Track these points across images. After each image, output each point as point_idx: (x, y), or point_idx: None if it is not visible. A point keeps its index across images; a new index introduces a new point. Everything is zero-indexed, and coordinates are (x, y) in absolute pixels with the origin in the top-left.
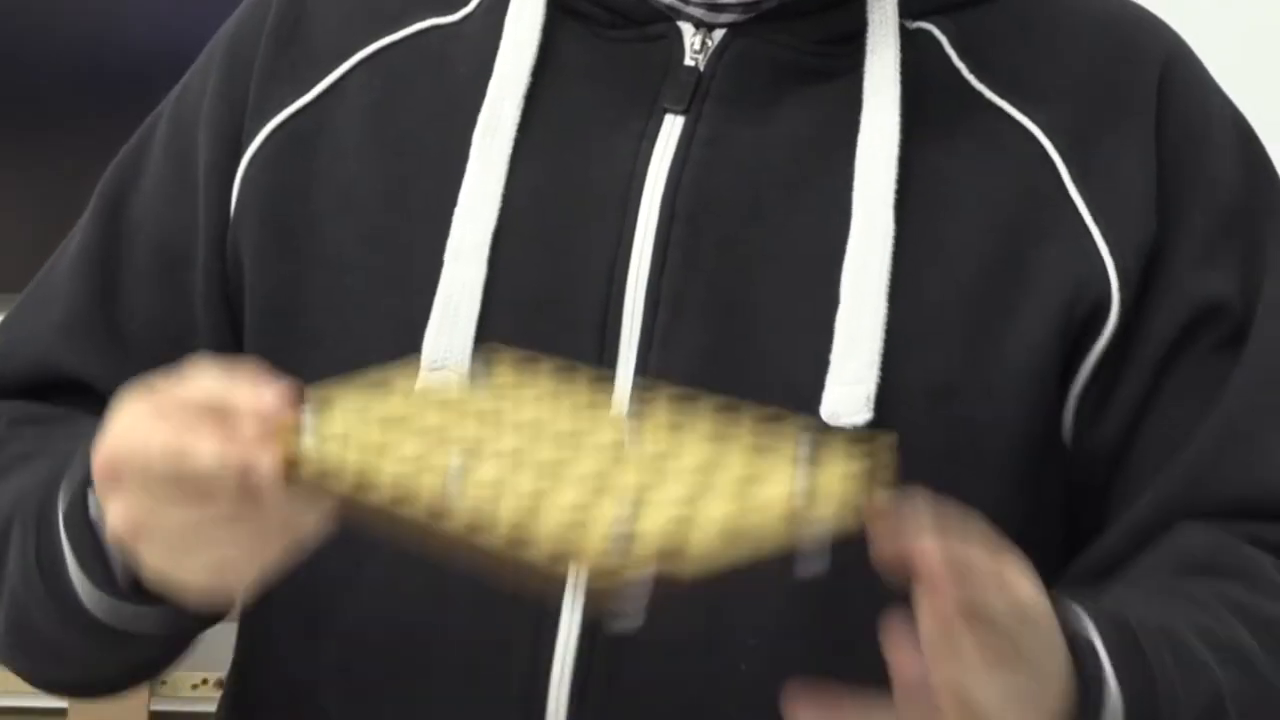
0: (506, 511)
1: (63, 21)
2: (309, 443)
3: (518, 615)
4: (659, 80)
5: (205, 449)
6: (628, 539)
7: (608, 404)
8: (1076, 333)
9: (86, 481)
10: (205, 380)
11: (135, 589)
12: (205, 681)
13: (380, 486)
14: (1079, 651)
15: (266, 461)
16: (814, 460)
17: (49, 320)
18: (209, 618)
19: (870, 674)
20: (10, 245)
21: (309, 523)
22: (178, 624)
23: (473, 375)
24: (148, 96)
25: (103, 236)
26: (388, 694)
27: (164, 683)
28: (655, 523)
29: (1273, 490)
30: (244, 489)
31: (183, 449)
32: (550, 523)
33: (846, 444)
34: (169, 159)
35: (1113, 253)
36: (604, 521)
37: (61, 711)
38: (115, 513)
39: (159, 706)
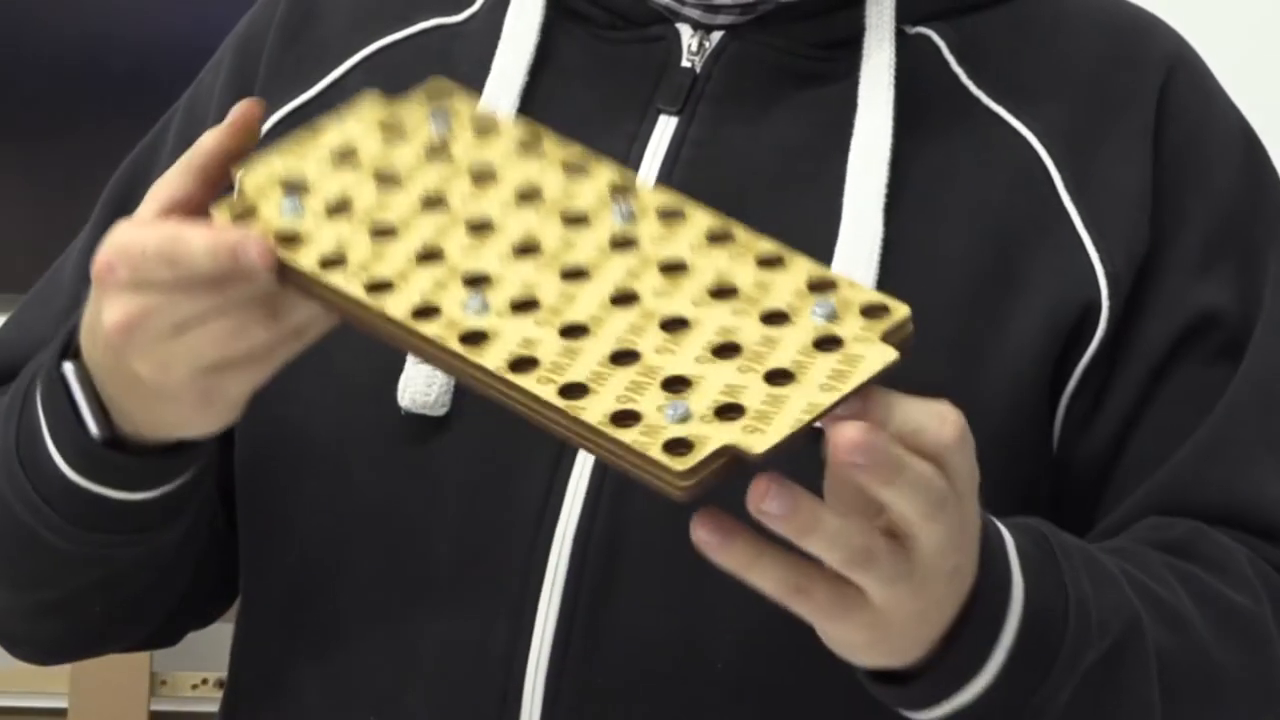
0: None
1: (64, 22)
2: (307, 260)
3: (495, 613)
4: (654, 81)
5: (197, 235)
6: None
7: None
8: (1066, 339)
9: (60, 353)
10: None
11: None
12: (205, 681)
13: (382, 308)
14: (989, 555)
15: (256, 241)
16: (831, 326)
17: (53, 314)
18: (183, 489)
19: (849, 672)
20: (10, 245)
21: (299, 320)
22: (155, 474)
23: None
24: (149, 97)
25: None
26: (368, 691)
27: (164, 683)
28: (706, 414)
29: (1250, 503)
30: (236, 272)
31: (176, 237)
32: (598, 411)
33: (859, 310)
34: (179, 153)
35: (1103, 260)
36: (657, 414)
37: (61, 711)
38: (110, 311)
39: (159, 706)
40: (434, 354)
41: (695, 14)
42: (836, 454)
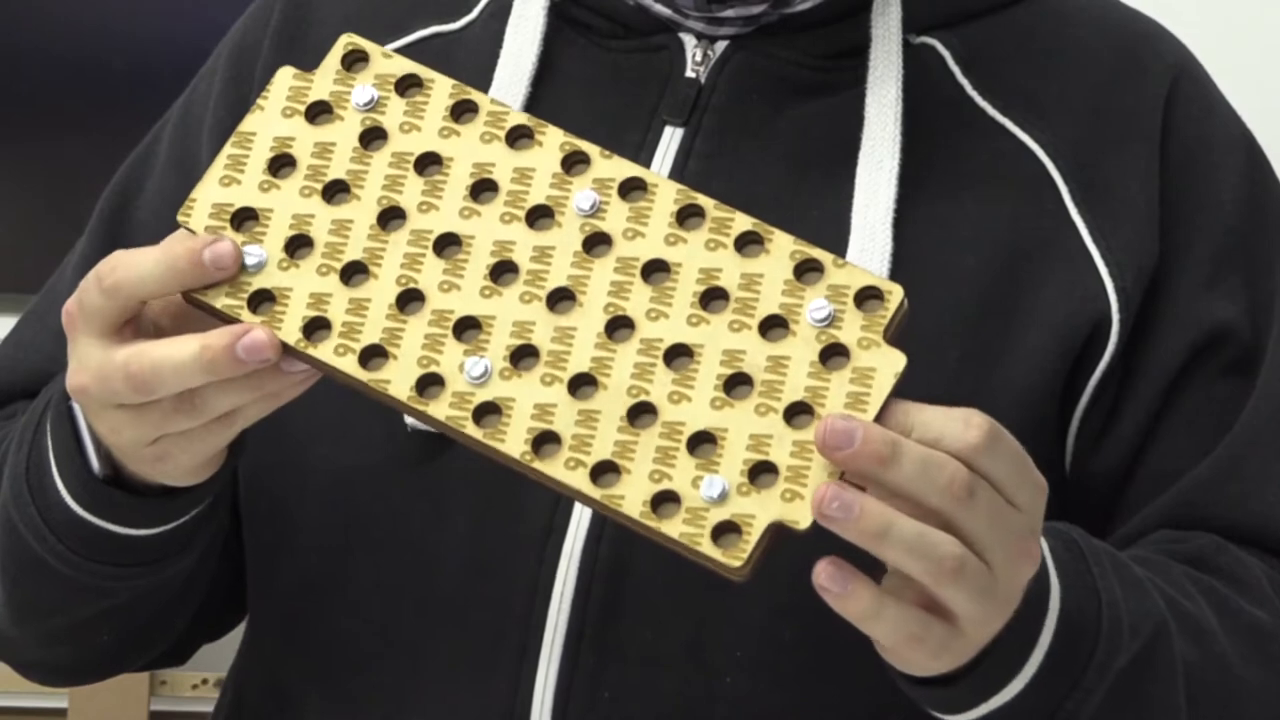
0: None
1: (63, 21)
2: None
3: (503, 623)
4: (659, 91)
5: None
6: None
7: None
8: (1077, 354)
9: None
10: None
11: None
12: (205, 681)
13: (385, 389)
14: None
15: (261, 336)
16: (833, 331)
17: (51, 327)
18: (189, 525)
19: (857, 688)
20: (10, 246)
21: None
22: (157, 513)
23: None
24: (149, 98)
25: (105, 242)
26: (371, 702)
27: (164, 683)
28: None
29: (1264, 520)
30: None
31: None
32: (636, 499)
33: (854, 301)
34: (173, 164)
35: (1112, 274)
36: (693, 491)
37: (61, 712)
38: (71, 368)
39: (159, 706)
40: (450, 432)
41: (700, 25)
42: (824, 453)
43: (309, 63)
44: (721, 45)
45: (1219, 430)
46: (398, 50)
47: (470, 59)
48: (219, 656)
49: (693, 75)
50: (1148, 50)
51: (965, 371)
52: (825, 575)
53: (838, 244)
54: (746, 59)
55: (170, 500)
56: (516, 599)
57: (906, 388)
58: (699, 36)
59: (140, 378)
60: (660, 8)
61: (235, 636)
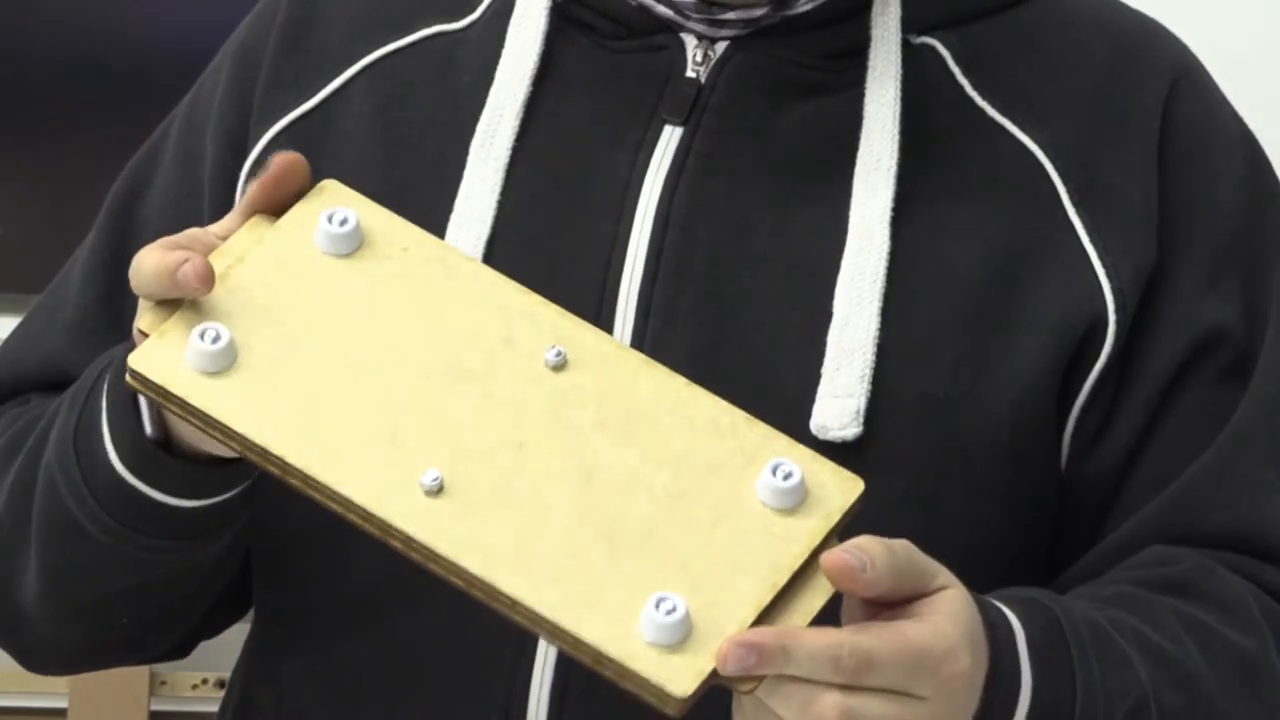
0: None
1: (64, 21)
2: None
3: (499, 625)
4: (659, 91)
5: None
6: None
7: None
8: (1073, 354)
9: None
10: None
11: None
12: (205, 681)
13: (333, 494)
14: (999, 650)
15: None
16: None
17: (58, 322)
18: (227, 505)
19: None
20: (10, 245)
21: None
22: (201, 484)
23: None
24: (149, 97)
25: (113, 237)
26: (369, 704)
27: (164, 683)
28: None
29: (1254, 526)
30: None
31: None
32: (585, 630)
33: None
34: (179, 160)
35: (1109, 275)
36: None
37: (61, 712)
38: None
39: (159, 706)
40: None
41: (700, 25)
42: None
43: (311, 63)
44: (722, 45)
45: (1214, 434)
46: (402, 48)
47: (473, 58)
48: (219, 656)
49: (693, 75)
50: (1148, 51)
51: (961, 371)
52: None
53: (836, 244)
54: (747, 59)
55: (215, 471)
56: None
57: (898, 384)
58: (700, 37)
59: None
60: (662, 9)
61: (235, 636)
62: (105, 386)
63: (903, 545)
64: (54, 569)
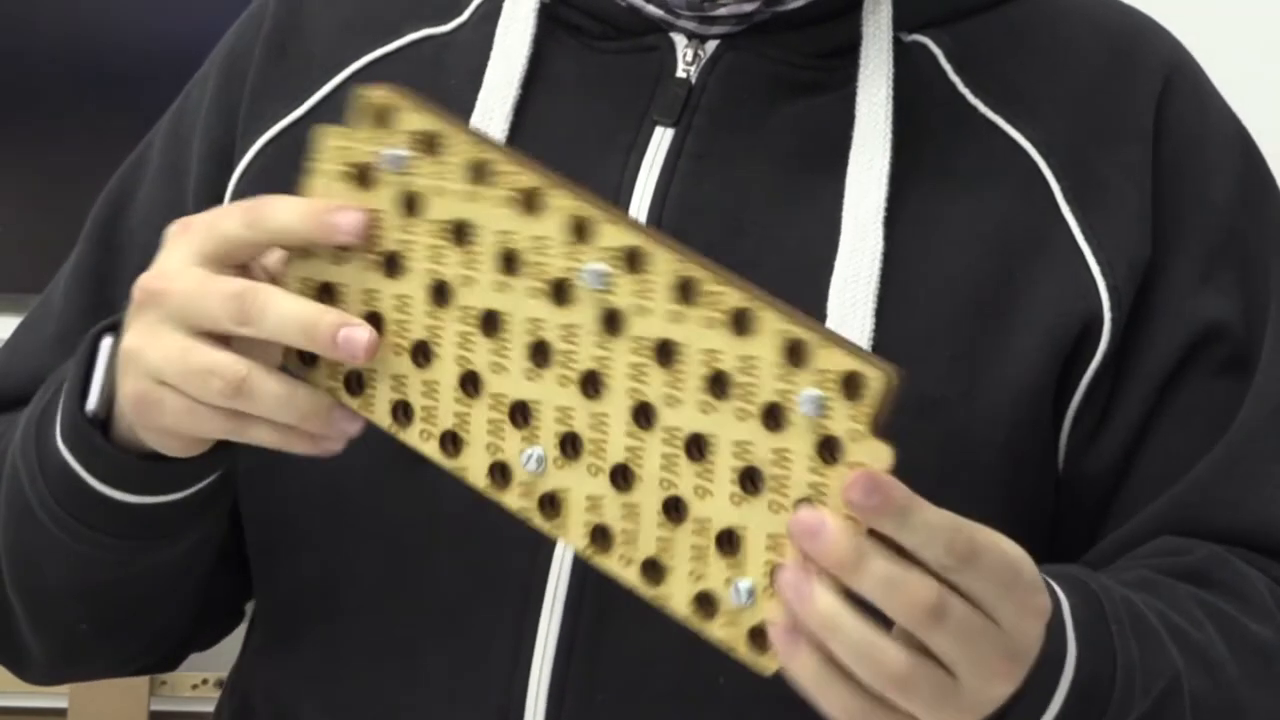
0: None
1: (63, 21)
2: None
3: (497, 623)
4: (649, 92)
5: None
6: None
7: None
8: (1069, 352)
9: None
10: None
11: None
12: (205, 682)
13: (465, 476)
14: (1049, 623)
15: (364, 335)
16: (825, 423)
17: (45, 336)
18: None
19: None
20: (10, 245)
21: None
22: (135, 476)
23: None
24: (149, 98)
25: (98, 249)
26: (367, 702)
27: (164, 683)
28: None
29: (1262, 523)
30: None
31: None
32: (681, 600)
33: (838, 387)
34: (164, 172)
35: (1104, 272)
36: (726, 592)
37: (61, 712)
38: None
39: (159, 706)
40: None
41: (691, 24)
42: (794, 543)
43: (297, 71)
44: (712, 45)
45: (1214, 430)
46: (390, 53)
47: (461, 61)
48: (219, 656)
49: (683, 75)
50: (1141, 46)
51: (957, 370)
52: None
53: (829, 244)
54: (737, 58)
55: (152, 467)
56: (509, 603)
57: (902, 389)
58: (690, 36)
59: (247, 305)
60: (652, 8)
61: (235, 636)
62: (70, 366)
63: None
64: (12, 553)
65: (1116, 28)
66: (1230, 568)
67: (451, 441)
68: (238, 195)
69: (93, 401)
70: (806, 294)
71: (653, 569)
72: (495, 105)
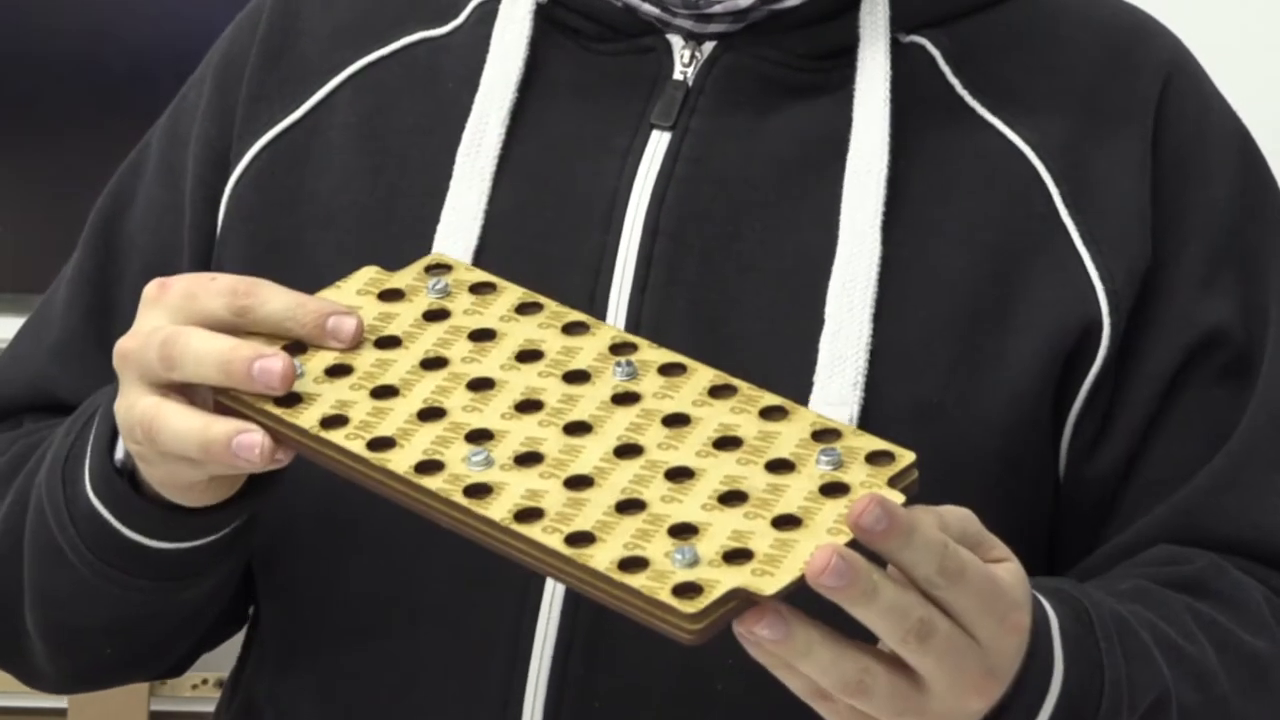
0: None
1: (63, 22)
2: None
3: (494, 627)
4: (646, 95)
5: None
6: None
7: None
8: (1068, 357)
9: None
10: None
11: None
12: (205, 682)
13: (385, 463)
14: (1034, 637)
15: (255, 440)
16: (837, 473)
17: (44, 342)
18: (198, 557)
19: None
20: (9, 245)
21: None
22: (165, 524)
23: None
24: (149, 98)
25: (97, 254)
26: (365, 706)
27: (164, 683)
28: (716, 562)
29: (1262, 532)
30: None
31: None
32: (605, 558)
33: (864, 458)
34: (161, 175)
35: (1103, 277)
36: (665, 560)
37: (61, 712)
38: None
39: (159, 706)
40: (437, 510)
41: (687, 24)
42: (811, 577)
43: (294, 74)
44: (709, 46)
45: (1215, 436)
46: (386, 56)
47: (457, 64)
48: (219, 656)
49: (680, 77)
50: (1140, 46)
51: (956, 375)
52: (764, 628)
53: (827, 248)
54: (734, 60)
55: (182, 517)
56: (506, 609)
57: (891, 390)
58: (687, 37)
59: (168, 352)
60: (648, 7)
61: (235, 636)
62: (98, 413)
63: (959, 513)
64: (39, 592)
65: (1115, 27)
66: (1228, 578)
67: (383, 445)
68: (234, 199)
69: (120, 452)
70: (804, 298)
71: (581, 539)
72: (491, 109)
